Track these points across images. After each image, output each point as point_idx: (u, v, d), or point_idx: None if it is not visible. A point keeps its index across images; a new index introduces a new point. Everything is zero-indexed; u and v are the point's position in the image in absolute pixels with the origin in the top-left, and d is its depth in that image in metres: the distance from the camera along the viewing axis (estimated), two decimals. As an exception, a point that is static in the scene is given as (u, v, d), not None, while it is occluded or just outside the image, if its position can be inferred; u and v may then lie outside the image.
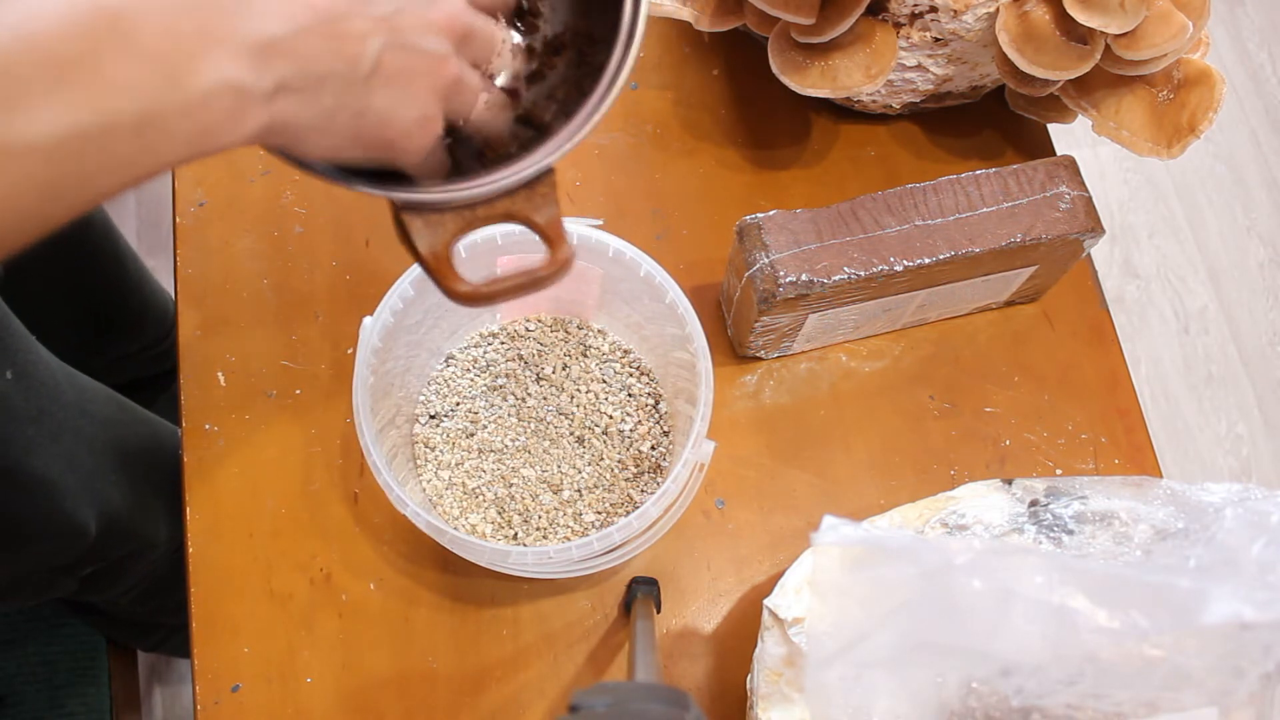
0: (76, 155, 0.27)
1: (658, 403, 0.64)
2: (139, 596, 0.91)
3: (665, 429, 0.64)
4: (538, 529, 0.61)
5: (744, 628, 0.61)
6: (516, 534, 0.61)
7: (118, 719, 0.86)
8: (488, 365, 0.65)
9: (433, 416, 0.64)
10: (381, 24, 0.35)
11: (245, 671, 0.59)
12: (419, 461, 0.63)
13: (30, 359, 0.67)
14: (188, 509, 0.62)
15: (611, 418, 0.63)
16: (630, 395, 0.64)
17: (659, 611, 0.60)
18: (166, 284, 1.10)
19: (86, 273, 0.95)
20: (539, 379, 0.65)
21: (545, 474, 0.62)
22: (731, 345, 0.67)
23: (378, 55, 0.35)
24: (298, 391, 0.65)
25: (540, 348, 0.65)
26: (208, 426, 0.64)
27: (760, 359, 0.67)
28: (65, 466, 0.68)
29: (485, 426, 0.63)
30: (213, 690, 0.58)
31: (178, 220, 0.70)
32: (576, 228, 0.57)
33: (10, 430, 0.63)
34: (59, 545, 0.71)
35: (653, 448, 0.63)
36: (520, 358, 0.65)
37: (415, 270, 0.56)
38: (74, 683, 0.91)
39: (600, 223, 0.58)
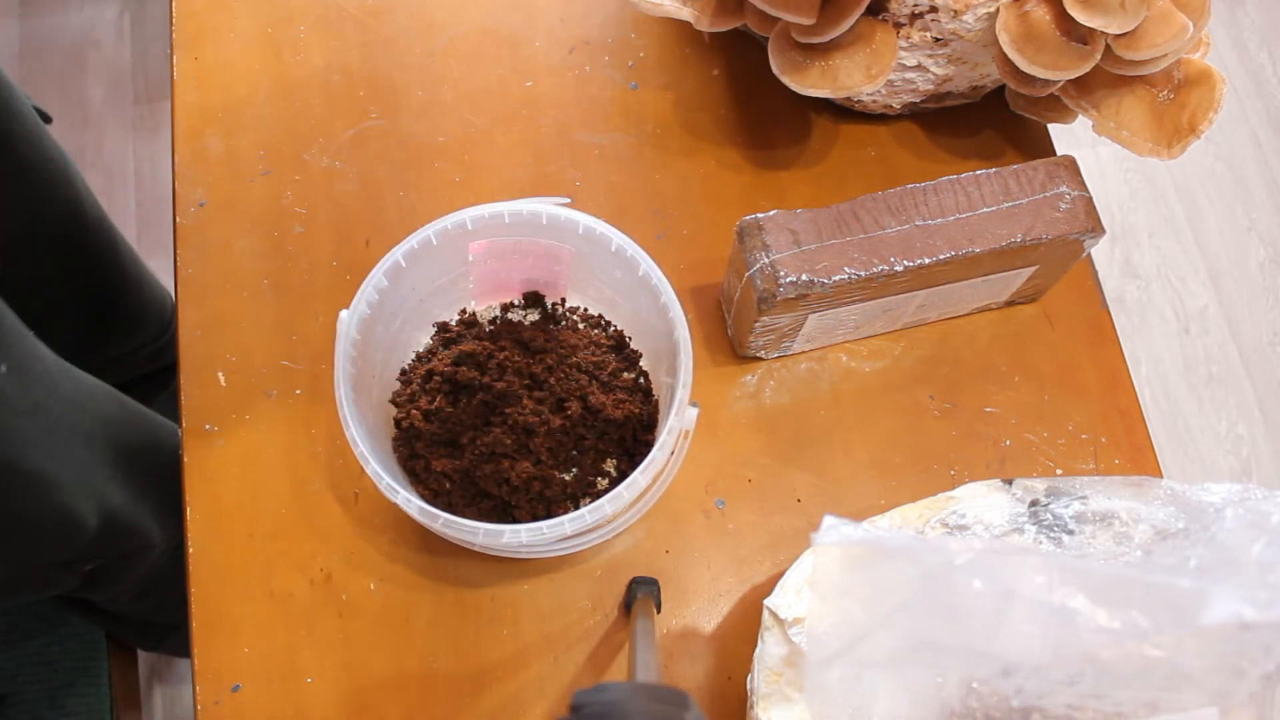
0: None
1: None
2: (139, 594, 0.91)
3: (649, 401, 0.63)
4: None
5: (744, 628, 0.61)
6: None
7: (118, 719, 0.86)
8: None
9: None
10: None
11: (245, 671, 0.59)
12: None
13: (25, 353, 0.67)
14: (187, 509, 0.62)
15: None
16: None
17: (659, 611, 0.60)
18: (166, 284, 1.10)
19: (83, 269, 0.95)
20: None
21: None
22: (732, 345, 0.67)
23: None
24: (298, 391, 0.65)
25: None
26: (207, 426, 0.64)
27: (760, 359, 0.67)
28: (62, 461, 0.68)
29: None
30: (213, 690, 0.58)
31: (178, 220, 0.70)
32: (544, 207, 0.57)
33: (5, 423, 0.63)
34: (59, 539, 0.71)
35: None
36: None
37: (388, 261, 0.57)
38: (74, 682, 0.91)
39: (568, 201, 0.58)
